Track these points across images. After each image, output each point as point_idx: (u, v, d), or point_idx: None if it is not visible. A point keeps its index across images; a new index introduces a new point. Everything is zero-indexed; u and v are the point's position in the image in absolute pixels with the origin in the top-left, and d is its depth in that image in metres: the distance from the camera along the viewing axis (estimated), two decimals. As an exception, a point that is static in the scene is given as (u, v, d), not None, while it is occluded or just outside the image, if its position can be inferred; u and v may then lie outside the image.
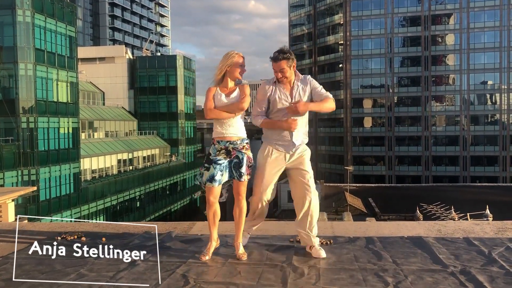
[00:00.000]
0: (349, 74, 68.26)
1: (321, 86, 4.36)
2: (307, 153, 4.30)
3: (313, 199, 4.25)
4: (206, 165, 4.08)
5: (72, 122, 38.11)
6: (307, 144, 4.38)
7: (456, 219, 24.51)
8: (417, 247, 4.32)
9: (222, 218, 4.33)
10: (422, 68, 65.83)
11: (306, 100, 4.26)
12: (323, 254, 4.08)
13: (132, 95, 57.32)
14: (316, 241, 4.20)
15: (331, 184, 48.19)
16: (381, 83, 67.71)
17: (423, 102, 65.92)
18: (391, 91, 67.41)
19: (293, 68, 4.20)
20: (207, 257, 4.05)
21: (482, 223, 5.20)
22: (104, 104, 54.31)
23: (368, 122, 68.51)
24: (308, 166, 4.28)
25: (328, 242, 4.46)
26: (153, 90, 56.88)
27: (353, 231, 4.84)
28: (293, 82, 4.27)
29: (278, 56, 4.10)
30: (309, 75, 4.38)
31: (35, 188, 18.05)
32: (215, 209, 4.11)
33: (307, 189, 4.23)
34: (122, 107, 56.20)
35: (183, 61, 58.09)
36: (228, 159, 4.06)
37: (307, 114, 4.33)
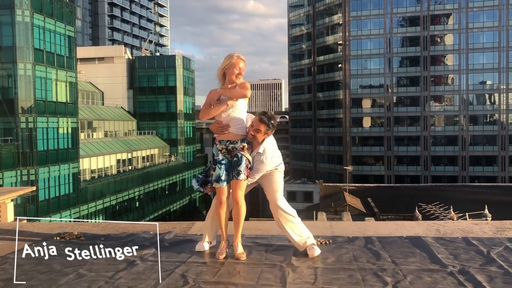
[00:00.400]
0: (348, 74, 68.28)
1: (259, 168, 4.21)
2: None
3: (278, 211, 4.27)
4: (213, 165, 4.16)
5: (71, 122, 38.09)
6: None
7: (455, 219, 24.53)
8: (416, 247, 4.32)
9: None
10: (421, 68, 65.87)
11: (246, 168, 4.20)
12: (317, 251, 4.09)
13: (131, 95, 57.30)
14: (309, 242, 4.20)
15: (330, 184, 48.20)
16: (380, 83, 67.74)
17: (422, 102, 65.96)
18: (390, 91, 67.43)
19: (266, 136, 4.17)
20: (224, 255, 4.08)
21: (481, 223, 5.20)
22: (103, 104, 54.28)
23: (367, 122, 68.55)
24: (269, 182, 4.29)
25: (327, 242, 4.46)
26: (152, 90, 56.87)
27: (352, 231, 4.84)
28: (258, 146, 4.22)
29: (263, 118, 4.10)
30: (266, 156, 4.20)
31: (34, 188, 18.06)
32: (226, 208, 4.15)
33: (272, 203, 4.31)
34: (121, 107, 56.17)
35: (182, 61, 58.08)
36: (230, 158, 4.10)
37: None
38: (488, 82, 65.05)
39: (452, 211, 27.66)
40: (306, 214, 36.35)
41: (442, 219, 24.55)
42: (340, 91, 69.60)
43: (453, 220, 22.89)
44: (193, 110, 62.96)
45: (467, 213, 25.69)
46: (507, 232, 4.76)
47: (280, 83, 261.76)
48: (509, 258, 3.97)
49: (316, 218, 25.92)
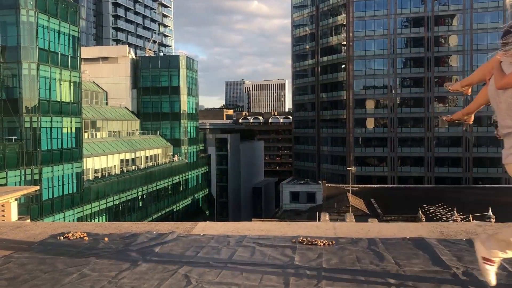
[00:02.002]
0: (352, 74, 68.20)
1: None
2: None
3: None
4: None
5: (75, 122, 38.19)
6: None
7: (459, 221, 24.47)
8: (419, 249, 4.30)
9: (224, 218, 4.31)
10: (425, 69, 65.72)
11: None
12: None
13: (135, 95, 57.42)
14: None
15: (333, 185, 48.13)
16: (384, 84, 67.65)
17: (426, 103, 65.81)
18: (393, 92, 67.32)
19: None
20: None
21: (485, 224, 5.17)
22: (107, 104, 54.41)
23: (370, 123, 68.44)
24: None
25: (330, 243, 4.45)
26: (156, 90, 56.97)
27: (355, 232, 4.81)
28: None
29: None
30: None
31: (37, 187, 18.04)
32: None
33: None
34: (125, 107, 56.30)
35: (185, 61, 58.17)
36: None
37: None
38: (493, 83, 64.84)
39: (455, 213, 27.58)
40: (309, 215, 36.31)
41: (445, 221, 24.46)
42: (343, 92, 69.52)
43: (456, 221, 22.82)
44: (196, 110, 63.00)
45: (470, 215, 25.60)
46: (511, 234, 4.72)
47: (284, 84, 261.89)
48: (513, 260, 3.94)
49: (319, 219, 25.90)
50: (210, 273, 3.71)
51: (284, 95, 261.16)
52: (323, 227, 4.86)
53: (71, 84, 38.23)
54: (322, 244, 4.38)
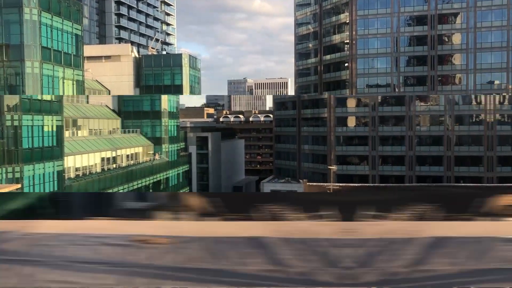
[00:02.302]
0: (355, 73, 68.04)
1: None
2: None
3: None
4: None
5: (56, 120, 37.76)
6: None
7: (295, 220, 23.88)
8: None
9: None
10: (428, 68, 65.46)
11: None
12: None
13: (138, 93, 57.48)
14: None
15: (314, 184, 47.38)
16: (387, 82, 67.47)
17: (406, 102, 65.52)
18: (397, 90, 67.12)
19: None
20: None
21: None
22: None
23: (351, 122, 67.95)
24: None
25: (167, 242, 4.43)
26: (159, 88, 57.00)
27: (196, 231, 4.66)
28: None
29: None
30: None
31: (19, 185, 17.88)
32: None
33: None
34: (106, 105, 55.79)
35: (188, 59, 58.21)
36: None
37: None
38: (496, 82, 64.51)
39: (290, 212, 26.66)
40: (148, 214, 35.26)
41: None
42: (346, 90, 69.37)
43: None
44: (177, 108, 62.06)
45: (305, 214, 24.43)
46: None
47: (286, 82, 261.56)
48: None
49: (156, 218, 25.08)
50: (52, 272, 3.60)
51: (287, 94, 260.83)
52: (160, 226, 4.83)
53: (74, 82, 38.32)
54: (158, 242, 4.36)
